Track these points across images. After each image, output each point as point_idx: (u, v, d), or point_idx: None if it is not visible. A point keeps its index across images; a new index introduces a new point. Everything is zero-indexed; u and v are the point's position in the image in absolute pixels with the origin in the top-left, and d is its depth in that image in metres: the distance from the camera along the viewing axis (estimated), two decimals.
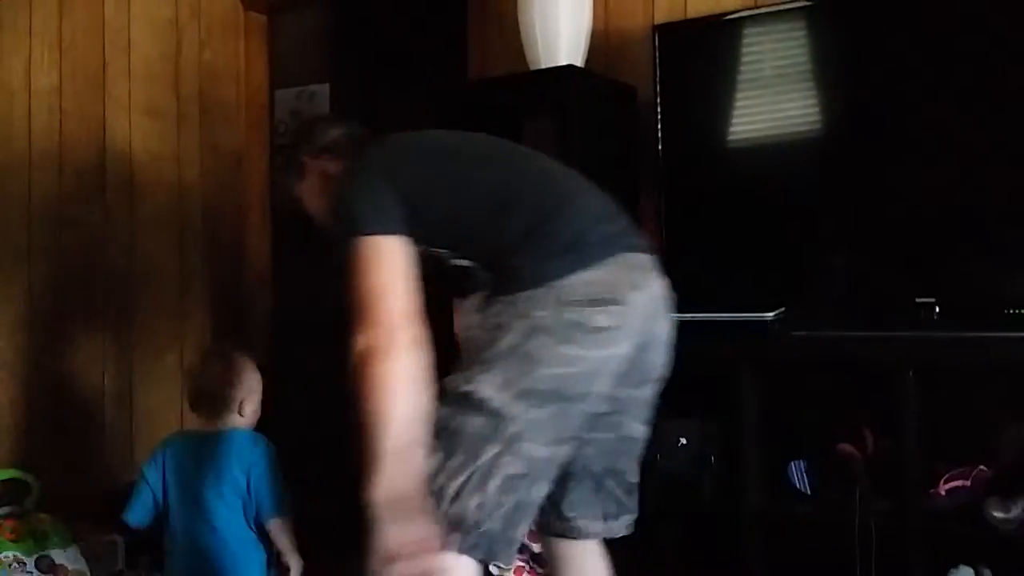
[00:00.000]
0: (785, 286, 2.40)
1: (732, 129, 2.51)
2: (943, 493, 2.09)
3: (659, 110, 2.57)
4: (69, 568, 2.50)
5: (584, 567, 1.71)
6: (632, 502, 1.69)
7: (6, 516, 2.53)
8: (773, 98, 2.45)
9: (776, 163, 2.46)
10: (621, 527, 1.68)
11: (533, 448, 1.40)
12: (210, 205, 3.35)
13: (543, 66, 2.56)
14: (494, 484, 1.38)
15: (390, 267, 1.45)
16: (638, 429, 1.64)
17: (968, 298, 2.22)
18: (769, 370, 2.28)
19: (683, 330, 2.36)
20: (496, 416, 1.38)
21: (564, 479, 1.59)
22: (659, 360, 1.60)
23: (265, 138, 3.58)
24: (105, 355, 3.02)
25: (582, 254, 1.45)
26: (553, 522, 1.67)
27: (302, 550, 2.27)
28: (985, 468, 2.11)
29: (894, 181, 2.30)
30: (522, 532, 1.45)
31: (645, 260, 1.55)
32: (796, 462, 2.27)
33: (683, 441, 2.30)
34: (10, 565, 2.41)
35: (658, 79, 2.57)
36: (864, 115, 2.35)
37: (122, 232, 3.07)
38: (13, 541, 2.46)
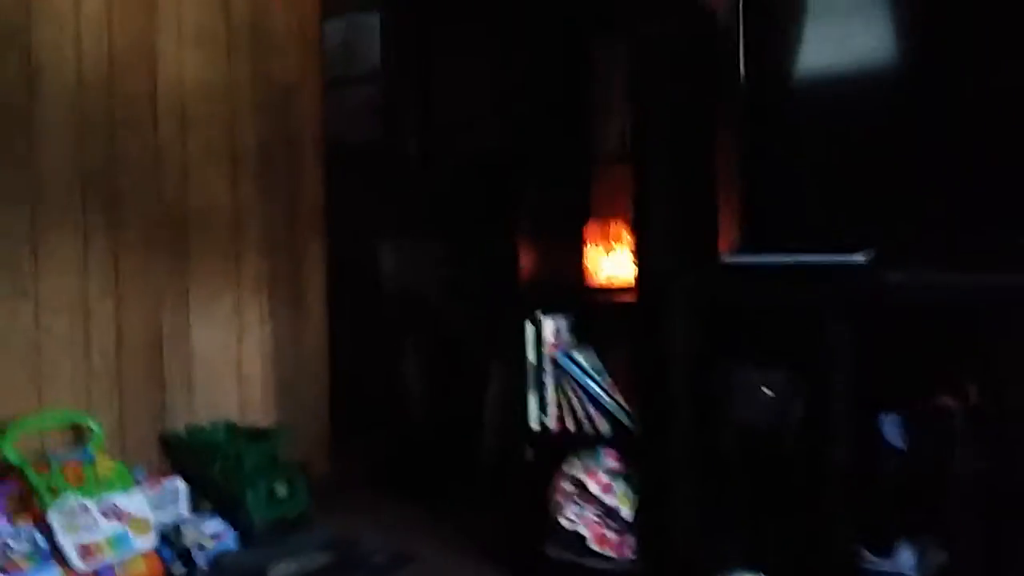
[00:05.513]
0: (875, 225, 2.24)
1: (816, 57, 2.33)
2: None
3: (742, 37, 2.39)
4: (132, 513, 2.48)
5: None
6: None
7: (70, 460, 2.51)
8: (863, 25, 2.26)
9: (866, 88, 2.28)
10: None
11: None
12: (262, 138, 3.24)
13: None
14: None
15: None
16: None
17: None
18: (860, 316, 2.13)
19: (767, 274, 2.24)
20: None
21: None
22: None
23: (316, 69, 3.44)
24: (161, 297, 2.95)
25: None
26: None
27: None
28: None
29: (995, 107, 2.11)
30: None
31: None
32: (889, 415, 2.14)
33: (769, 392, 2.17)
34: (75, 510, 2.39)
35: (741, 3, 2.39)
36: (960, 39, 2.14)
37: (175, 165, 2.98)
38: (77, 486, 2.44)
